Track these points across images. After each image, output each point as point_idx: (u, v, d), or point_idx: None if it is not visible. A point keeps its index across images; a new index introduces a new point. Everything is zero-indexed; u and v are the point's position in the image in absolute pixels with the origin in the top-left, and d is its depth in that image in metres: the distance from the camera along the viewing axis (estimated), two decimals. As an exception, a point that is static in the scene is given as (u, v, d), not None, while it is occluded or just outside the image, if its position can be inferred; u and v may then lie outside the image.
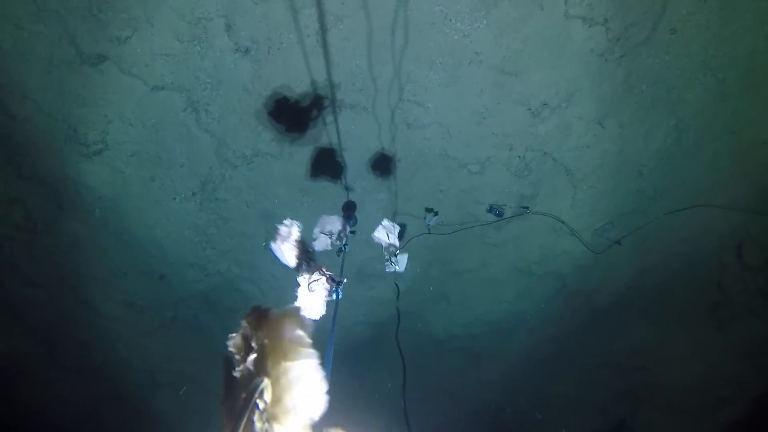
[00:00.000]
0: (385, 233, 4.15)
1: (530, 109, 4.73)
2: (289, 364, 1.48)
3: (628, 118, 4.85)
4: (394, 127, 4.91)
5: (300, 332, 1.58)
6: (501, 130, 4.85)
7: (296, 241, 2.79)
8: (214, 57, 4.54)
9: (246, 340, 1.57)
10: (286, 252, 2.78)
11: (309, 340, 1.58)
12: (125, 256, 5.71)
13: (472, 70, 4.56)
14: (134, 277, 5.86)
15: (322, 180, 5.26)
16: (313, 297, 2.73)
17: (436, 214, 5.43)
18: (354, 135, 4.94)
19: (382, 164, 5.11)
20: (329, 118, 4.86)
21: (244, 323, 1.57)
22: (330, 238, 3.69)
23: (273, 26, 4.37)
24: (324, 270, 2.79)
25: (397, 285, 4.94)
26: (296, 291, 2.74)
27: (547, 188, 5.23)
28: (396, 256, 4.31)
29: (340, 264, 3.21)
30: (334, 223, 3.74)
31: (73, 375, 6.77)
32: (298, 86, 4.69)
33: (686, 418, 6.54)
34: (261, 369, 1.46)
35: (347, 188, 5.33)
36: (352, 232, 4.28)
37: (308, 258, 2.84)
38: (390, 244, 4.17)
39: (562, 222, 5.47)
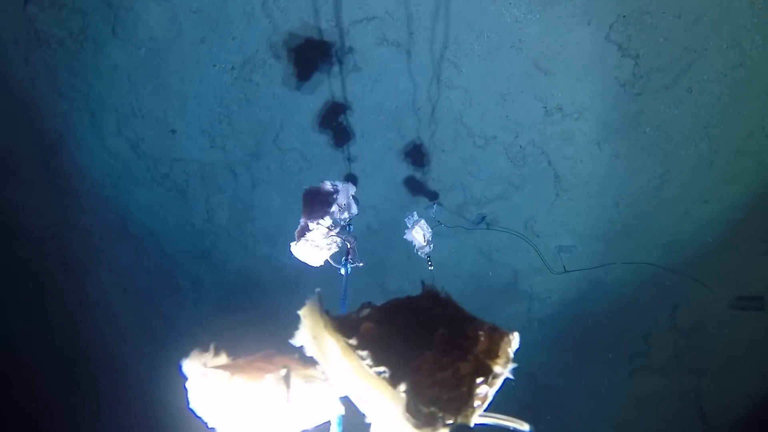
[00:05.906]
0: (421, 234, 4.00)
1: (546, 108, 5.25)
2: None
3: (623, 151, 5.37)
4: (426, 78, 5.40)
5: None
6: (514, 117, 5.36)
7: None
8: (301, -45, 5.03)
9: None
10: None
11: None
12: (150, 100, 6.15)
13: (510, 54, 5.07)
14: (150, 122, 6.30)
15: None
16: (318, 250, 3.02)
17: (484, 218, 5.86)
18: (389, 71, 5.43)
19: (402, 107, 5.59)
20: (379, 48, 5.35)
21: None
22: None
23: (361, -54, 4.87)
24: (351, 240, 3.11)
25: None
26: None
27: (534, 186, 5.74)
28: (429, 257, 4.15)
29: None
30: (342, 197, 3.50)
31: (59, 194, 7.18)
32: (360, 9, 5.18)
33: (572, 446, 7.05)
34: None
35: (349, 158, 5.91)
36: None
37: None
38: (423, 247, 4.05)
39: (524, 239, 5.99)
